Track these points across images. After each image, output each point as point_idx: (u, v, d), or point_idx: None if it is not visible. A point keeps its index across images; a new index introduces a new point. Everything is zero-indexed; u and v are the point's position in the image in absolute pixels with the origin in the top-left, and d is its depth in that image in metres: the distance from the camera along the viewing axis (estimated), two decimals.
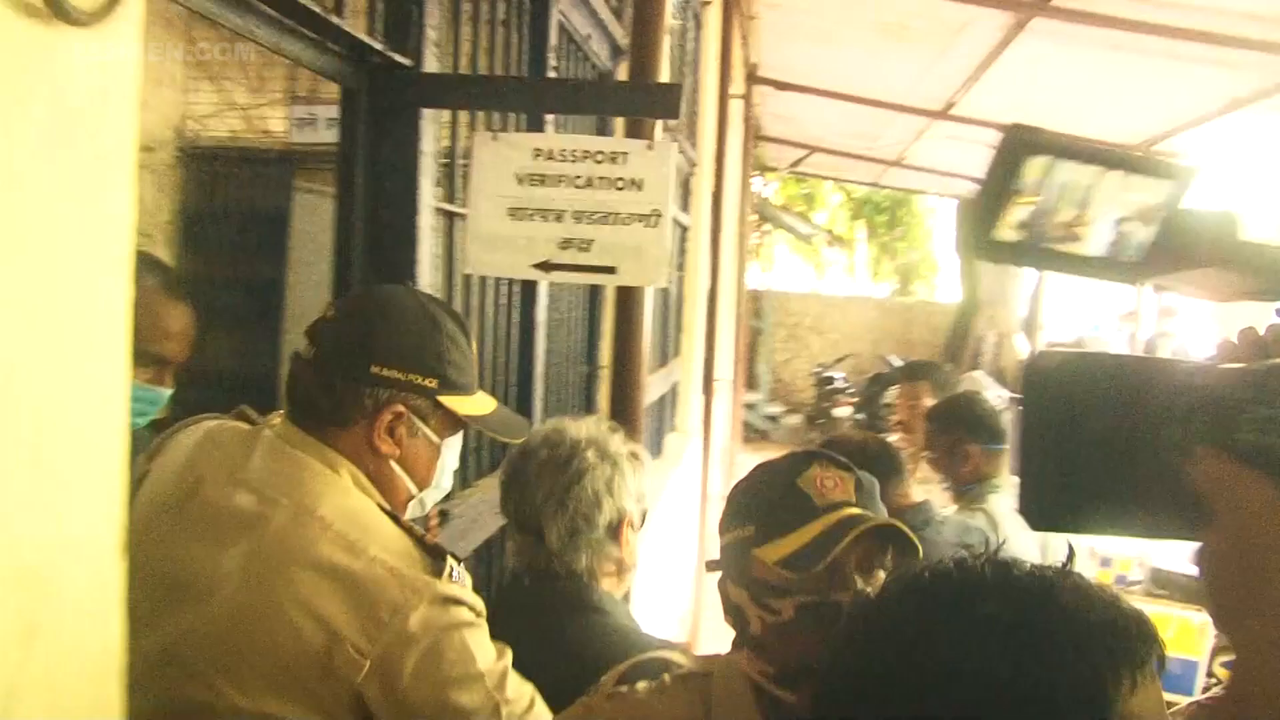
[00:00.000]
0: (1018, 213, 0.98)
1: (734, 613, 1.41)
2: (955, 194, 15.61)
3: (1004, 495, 3.25)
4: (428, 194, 2.15)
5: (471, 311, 2.62)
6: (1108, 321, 12.56)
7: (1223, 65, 7.09)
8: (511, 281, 2.92)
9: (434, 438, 1.56)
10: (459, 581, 1.42)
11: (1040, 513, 0.88)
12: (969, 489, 3.26)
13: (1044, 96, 8.68)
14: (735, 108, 9.36)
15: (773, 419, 15.22)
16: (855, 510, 1.33)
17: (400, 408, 1.50)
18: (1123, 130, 9.36)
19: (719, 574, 1.44)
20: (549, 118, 2.89)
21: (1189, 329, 11.06)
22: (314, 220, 5.74)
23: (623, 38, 3.82)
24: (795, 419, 15.36)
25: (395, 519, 1.46)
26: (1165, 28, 6.41)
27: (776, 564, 1.30)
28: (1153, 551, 5.66)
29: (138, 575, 1.06)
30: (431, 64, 2.19)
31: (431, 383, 1.51)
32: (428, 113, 2.15)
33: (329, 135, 5.91)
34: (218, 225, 6.26)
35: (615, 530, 1.87)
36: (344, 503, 1.43)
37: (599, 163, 2.10)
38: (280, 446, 1.48)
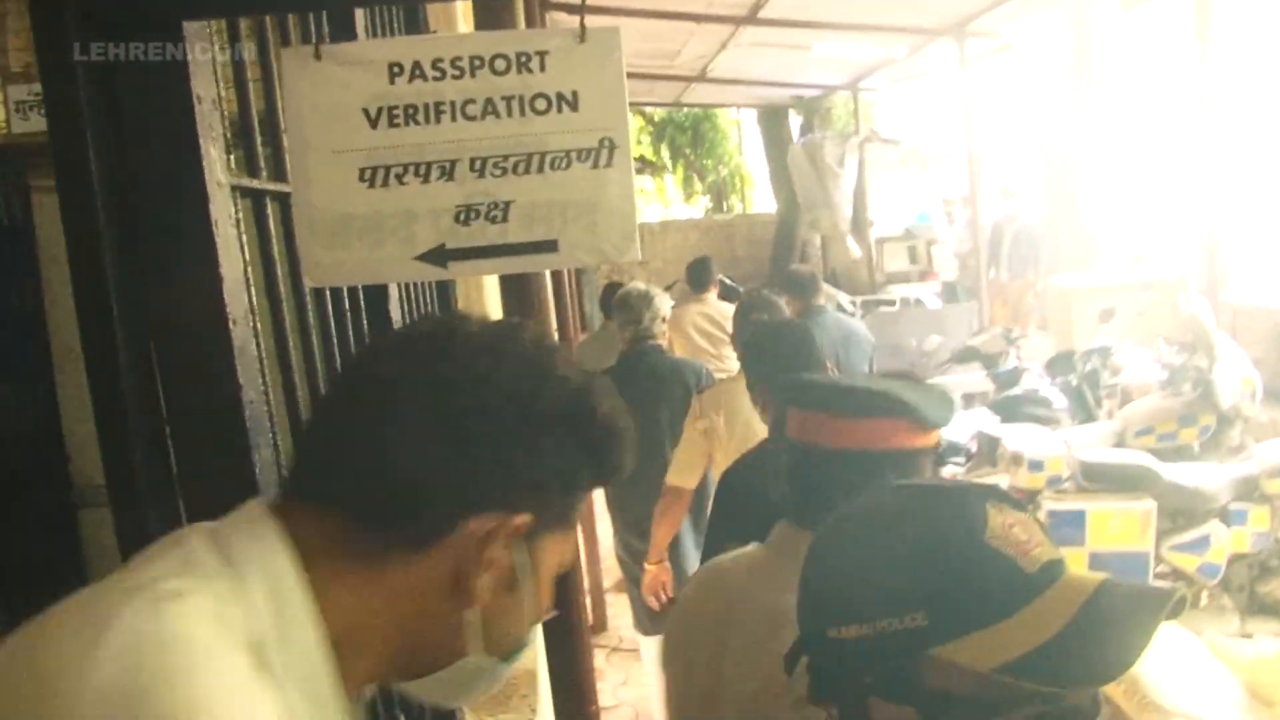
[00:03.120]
0: None
1: None
2: (764, 102, 15.24)
3: None
4: (216, 166, 1.30)
5: (311, 331, 1.77)
6: (935, 209, 12.40)
7: None
8: None
9: None
10: None
11: None
12: None
13: None
14: None
15: None
16: (1087, 576, 0.97)
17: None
18: (934, 13, 9.05)
19: (809, 684, 1.04)
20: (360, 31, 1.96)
21: (1032, 209, 10.92)
22: None
23: None
24: None
25: None
26: None
27: (1001, 669, 0.91)
28: (1077, 444, 5.33)
29: None
30: None
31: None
32: (194, 30, 1.29)
33: None
34: None
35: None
36: None
37: (502, 73, 1.29)
38: None
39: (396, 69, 1.31)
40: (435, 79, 1.31)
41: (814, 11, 9.00)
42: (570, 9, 9.49)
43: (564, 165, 1.32)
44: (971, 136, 9.68)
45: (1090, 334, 7.81)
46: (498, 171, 1.32)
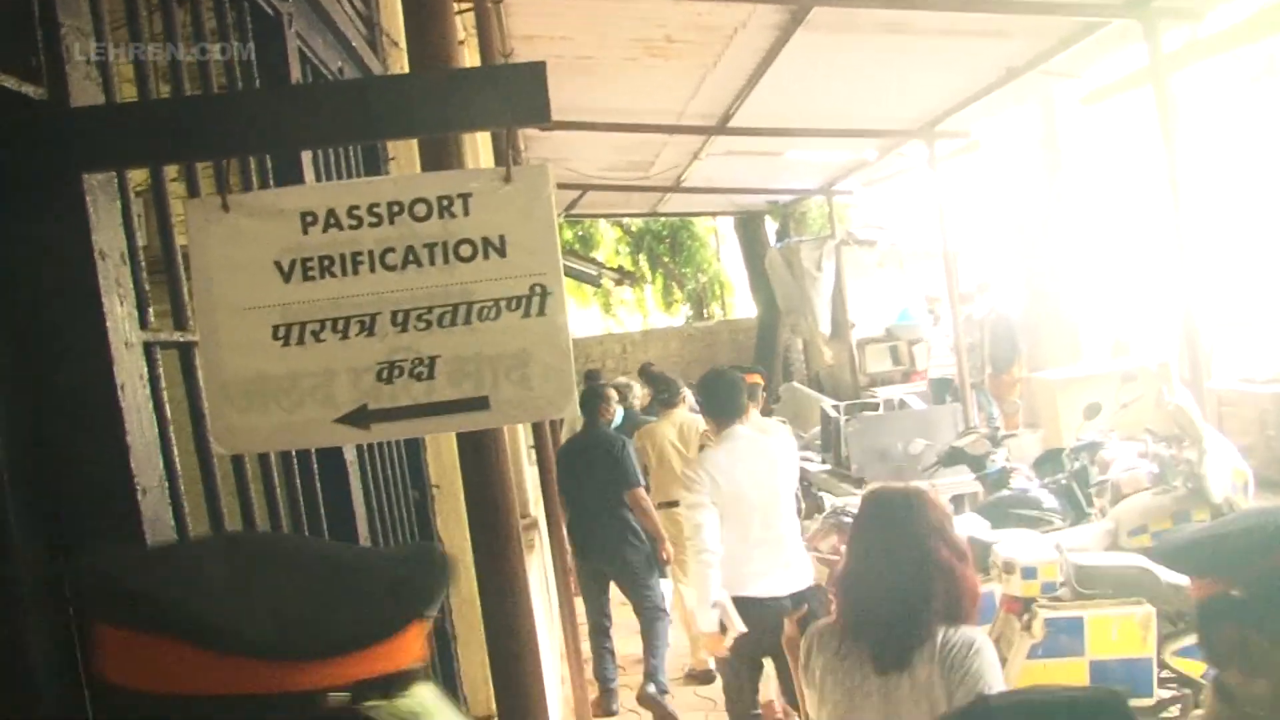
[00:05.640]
0: None
1: None
2: (740, 209, 15.41)
3: None
4: (124, 325, 1.21)
5: (253, 482, 1.65)
6: (916, 307, 12.41)
7: (997, 36, 6.87)
8: None
9: None
10: None
11: None
12: None
13: (823, 93, 8.35)
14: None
15: None
16: None
17: None
18: (903, 116, 9.16)
19: None
20: (305, 166, 1.92)
21: (1009, 302, 10.95)
22: None
23: (380, 70, 2.94)
24: None
25: None
26: None
27: None
28: (1069, 548, 5.18)
29: None
30: (87, 98, 1.24)
31: None
32: (97, 181, 1.21)
33: None
34: None
35: None
36: None
37: (422, 218, 1.20)
38: None
39: (310, 218, 1.22)
40: (352, 227, 1.22)
41: (784, 119, 9.12)
42: (542, 125, 9.59)
43: (493, 315, 1.22)
44: (945, 234, 9.75)
45: (1076, 429, 7.72)
46: (422, 325, 1.22)
